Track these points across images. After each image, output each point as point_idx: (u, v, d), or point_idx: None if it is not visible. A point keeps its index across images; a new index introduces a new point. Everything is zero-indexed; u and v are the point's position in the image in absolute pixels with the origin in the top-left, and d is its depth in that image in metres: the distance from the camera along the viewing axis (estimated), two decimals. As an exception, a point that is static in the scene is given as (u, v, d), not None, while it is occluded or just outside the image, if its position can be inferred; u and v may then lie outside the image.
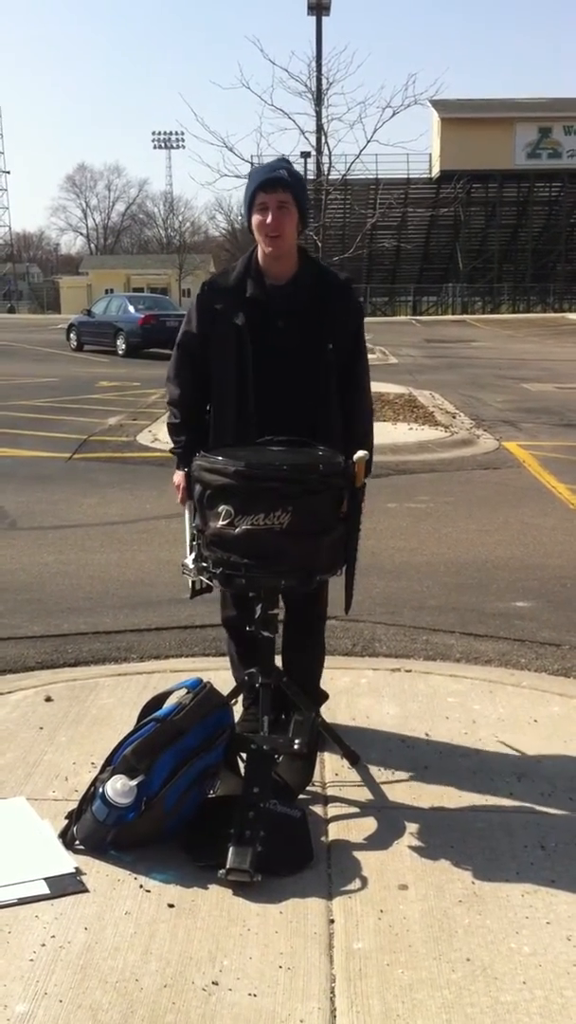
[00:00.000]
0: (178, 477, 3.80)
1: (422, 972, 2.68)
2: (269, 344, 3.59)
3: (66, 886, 3.04)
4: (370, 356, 4.13)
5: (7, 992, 2.57)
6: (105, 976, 2.64)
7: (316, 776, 3.70)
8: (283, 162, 3.72)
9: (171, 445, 3.87)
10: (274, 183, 3.53)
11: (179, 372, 3.79)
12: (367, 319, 3.93)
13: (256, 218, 3.56)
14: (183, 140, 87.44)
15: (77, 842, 3.23)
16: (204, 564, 3.45)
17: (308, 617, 3.88)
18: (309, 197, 3.96)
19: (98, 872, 3.12)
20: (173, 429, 3.85)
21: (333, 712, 4.17)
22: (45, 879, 3.06)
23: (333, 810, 3.52)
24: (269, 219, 3.52)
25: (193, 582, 3.61)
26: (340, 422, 3.69)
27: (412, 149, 56.51)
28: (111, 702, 4.36)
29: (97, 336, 29.30)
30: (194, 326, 3.72)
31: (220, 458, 3.37)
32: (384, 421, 13.42)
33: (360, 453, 3.51)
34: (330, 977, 2.67)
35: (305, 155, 21.14)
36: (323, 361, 3.61)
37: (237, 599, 3.83)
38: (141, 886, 3.05)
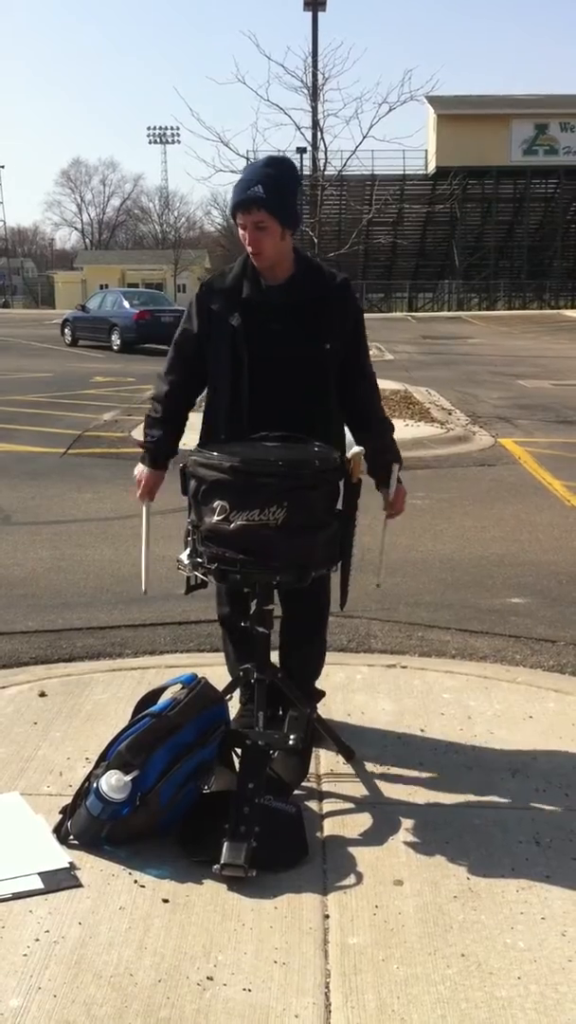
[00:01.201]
0: (140, 471, 3.89)
1: (417, 967, 2.68)
2: (265, 345, 3.58)
3: (60, 881, 3.03)
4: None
5: (1, 987, 2.57)
6: (99, 971, 2.64)
7: (311, 772, 3.70)
8: (262, 171, 3.53)
9: (143, 439, 3.88)
10: (247, 204, 3.48)
11: (171, 370, 3.78)
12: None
13: (240, 232, 3.59)
14: (178, 135, 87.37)
15: (71, 837, 3.23)
16: (199, 560, 3.44)
17: (311, 614, 3.88)
18: (302, 192, 3.93)
19: (92, 867, 3.12)
20: (150, 422, 3.86)
21: (328, 708, 4.17)
22: (39, 874, 3.05)
23: (328, 806, 3.52)
24: (247, 240, 3.53)
25: (188, 578, 3.60)
26: (336, 422, 3.69)
27: (408, 145, 56.38)
28: (105, 697, 4.35)
29: (92, 331, 29.23)
30: (194, 325, 3.70)
31: (215, 453, 3.37)
32: (380, 417, 13.38)
33: (356, 449, 3.51)
34: (325, 972, 2.66)
35: (301, 151, 21.15)
36: (320, 362, 3.59)
37: (232, 596, 3.83)
38: (135, 881, 3.05)
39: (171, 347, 3.82)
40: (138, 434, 3.98)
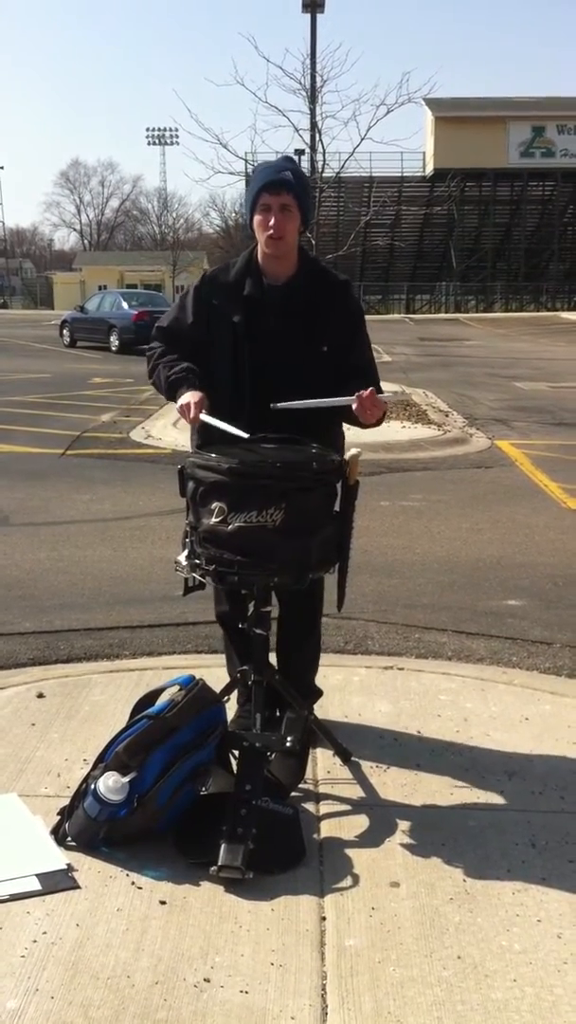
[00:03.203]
0: (186, 397, 3.51)
1: (413, 969, 2.68)
2: (264, 343, 3.59)
3: (58, 882, 3.04)
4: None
5: (-2, 988, 2.57)
6: (96, 972, 2.65)
7: (308, 774, 3.71)
8: (288, 162, 3.70)
9: (168, 384, 3.62)
10: (278, 185, 3.53)
11: (167, 351, 3.69)
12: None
13: (258, 218, 3.57)
14: (177, 137, 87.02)
15: (69, 838, 3.23)
16: (197, 561, 3.44)
17: (304, 615, 3.88)
18: (311, 194, 3.97)
19: (90, 869, 3.12)
20: (169, 367, 3.62)
21: (325, 710, 4.17)
22: (37, 875, 3.05)
23: (325, 808, 3.52)
24: (272, 221, 3.53)
25: (186, 579, 3.61)
26: (334, 421, 3.70)
27: (406, 147, 56.57)
28: (103, 699, 4.36)
29: (90, 332, 29.25)
30: (188, 316, 3.69)
31: (213, 455, 3.37)
32: (377, 419, 13.38)
33: (353, 451, 3.51)
34: (321, 974, 2.67)
35: (299, 152, 21.19)
36: (317, 363, 3.60)
37: (229, 594, 3.83)
38: (133, 883, 3.05)
39: (155, 335, 3.76)
40: (174, 399, 3.63)
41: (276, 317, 3.61)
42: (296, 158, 4.10)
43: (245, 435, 3.41)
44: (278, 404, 3.45)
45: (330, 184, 19.42)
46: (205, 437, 3.64)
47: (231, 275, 3.69)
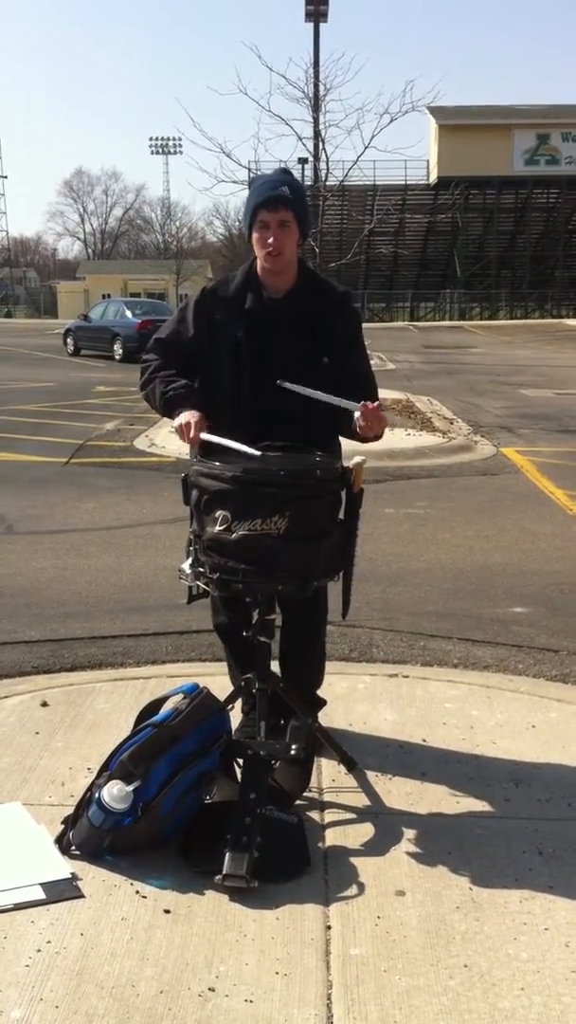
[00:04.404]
0: (183, 417, 3.49)
1: (419, 978, 2.67)
2: (265, 356, 3.59)
3: (62, 891, 3.03)
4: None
5: (2, 998, 2.56)
6: (101, 982, 2.63)
7: (313, 782, 3.69)
8: (284, 175, 3.68)
9: (164, 400, 3.60)
10: (275, 202, 3.52)
11: (160, 367, 3.68)
12: (365, 325, 3.93)
13: (256, 235, 3.57)
14: (180, 146, 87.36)
15: (73, 847, 3.22)
16: (201, 569, 3.44)
17: (308, 623, 3.87)
18: (309, 205, 3.97)
19: (94, 877, 3.11)
20: (165, 384, 3.60)
21: (330, 717, 4.16)
22: (41, 884, 3.05)
23: (330, 816, 3.51)
24: (270, 239, 3.52)
25: (190, 587, 3.60)
26: (335, 433, 3.69)
27: (410, 155, 56.61)
28: (107, 707, 4.35)
29: (94, 341, 29.33)
30: (188, 329, 3.69)
31: (217, 463, 3.37)
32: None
33: (357, 459, 3.51)
34: (327, 983, 2.66)
35: (303, 161, 21.23)
36: (318, 374, 3.60)
37: (227, 604, 3.82)
38: (137, 892, 3.04)
39: (152, 346, 3.75)
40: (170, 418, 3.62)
41: (278, 330, 3.61)
42: (299, 167, 4.12)
43: (256, 452, 3.38)
44: (285, 383, 3.44)
45: (334, 192, 19.46)
46: (208, 445, 3.63)
47: (231, 289, 3.68)
